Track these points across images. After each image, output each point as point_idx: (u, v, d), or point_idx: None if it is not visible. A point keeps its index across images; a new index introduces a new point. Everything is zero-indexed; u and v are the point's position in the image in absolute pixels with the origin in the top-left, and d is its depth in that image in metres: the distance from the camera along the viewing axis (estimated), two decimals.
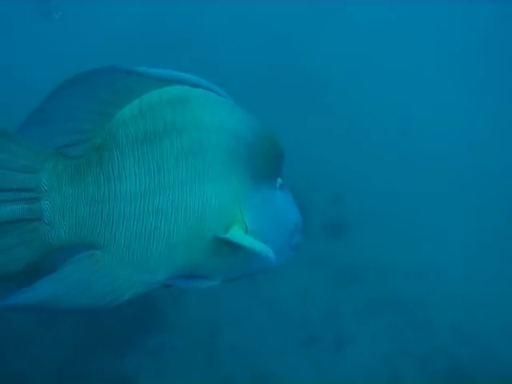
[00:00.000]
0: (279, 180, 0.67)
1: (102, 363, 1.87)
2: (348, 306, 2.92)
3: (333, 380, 2.37)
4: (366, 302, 3.02)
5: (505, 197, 5.58)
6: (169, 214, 0.56)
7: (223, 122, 0.60)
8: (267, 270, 0.69)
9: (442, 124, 6.59)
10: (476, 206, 5.13)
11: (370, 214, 3.91)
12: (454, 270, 3.65)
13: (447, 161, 5.85)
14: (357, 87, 6.55)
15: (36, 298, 0.52)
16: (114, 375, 1.98)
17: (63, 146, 0.54)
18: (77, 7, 6.84)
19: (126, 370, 2.07)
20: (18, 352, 1.89)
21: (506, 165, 6.09)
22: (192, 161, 0.57)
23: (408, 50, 7.97)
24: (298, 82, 6.19)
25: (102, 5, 7.36)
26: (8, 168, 0.50)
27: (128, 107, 0.56)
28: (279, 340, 2.46)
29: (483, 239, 4.41)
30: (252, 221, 0.62)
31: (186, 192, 0.57)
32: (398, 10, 8.47)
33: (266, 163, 0.64)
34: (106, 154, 0.55)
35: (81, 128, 0.55)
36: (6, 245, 0.50)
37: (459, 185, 5.42)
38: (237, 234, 0.60)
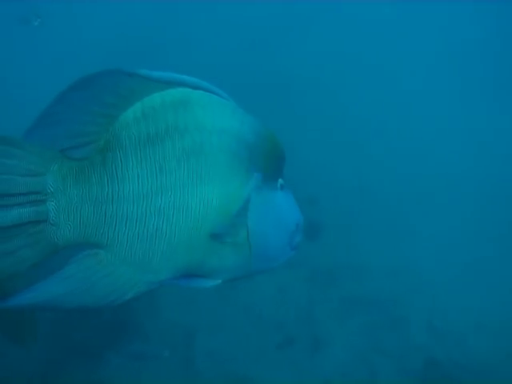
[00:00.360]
0: (280, 181, 0.68)
1: (74, 376, 1.83)
2: (324, 307, 2.93)
3: (310, 381, 2.37)
4: (342, 303, 3.04)
5: (474, 195, 5.72)
6: (170, 215, 0.57)
7: (225, 124, 0.61)
8: (268, 270, 0.69)
9: (420, 124, 6.69)
10: (447, 205, 5.24)
11: (345, 214, 3.95)
12: (427, 268, 3.71)
13: (419, 162, 5.96)
14: (336, 87, 6.62)
15: (41, 297, 0.53)
16: None
17: (68, 148, 0.55)
18: (58, 11, 6.79)
19: (101, 381, 2.03)
20: None
21: (477, 162, 6.25)
22: (194, 162, 0.58)
23: (400, 49, 8.05)
24: (274, 82, 6.23)
25: (81, 7, 7.28)
26: (14, 173, 0.51)
27: (131, 109, 0.57)
28: (256, 343, 2.45)
29: (455, 238, 4.50)
30: (254, 220, 0.63)
31: (188, 193, 0.58)
32: (391, 10, 8.55)
33: (267, 164, 0.65)
34: (109, 156, 0.56)
35: (85, 131, 0.56)
36: (14, 247, 0.52)
37: (431, 185, 5.53)
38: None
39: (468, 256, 4.22)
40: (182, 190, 0.58)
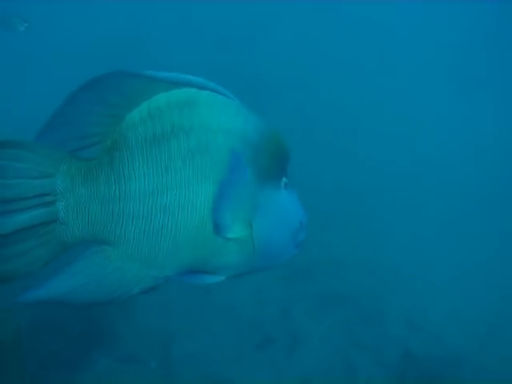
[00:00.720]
0: (284, 179, 0.69)
1: None
2: (302, 305, 2.94)
3: (289, 380, 2.37)
4: (319, 299, 3.06)
5: (447, 188, 5.83)
6: (176, 213, 0.59)
7: (229, 124, 0.62)
8: (272, 267, 0.70)
9: (401, 119, 6.74)
10: (423, 200, 5.33)
11: (320, 210, 3.97)
12: (404, 263, 3.77)
13: (397, 158, 6.03)
14: (315, 83, 6.63)
15: (53, 293, 0.55)
16: None
17: (77, 149, 0.57)
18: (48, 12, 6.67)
19: None
20: None
21: (459, 159, 6.35)
22: (199, 161, 0.59)
23: (395, 49, 8.09)
24: (245, 82, 6.21)
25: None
26: (25, 177, 0.52)
27: (137, 110, 0.58)
28: (234, 344, 2.44)
29: (432, 232, 4.59)
30: (257, 219, 0.64)
31: (193, 191, 0.59)
32: (389, 10, 8.59)
33: (271, 163, 0.66)
34: (116, 155, 0.57)
35: (93, 131, 0.57)
36: (27, 249, 0.53)
37: (406, 180, 5.61)
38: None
39: (444, 250, 4.30)
40: (187, 189, 0.59)
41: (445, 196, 5.42)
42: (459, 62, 8.03)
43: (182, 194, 0.59)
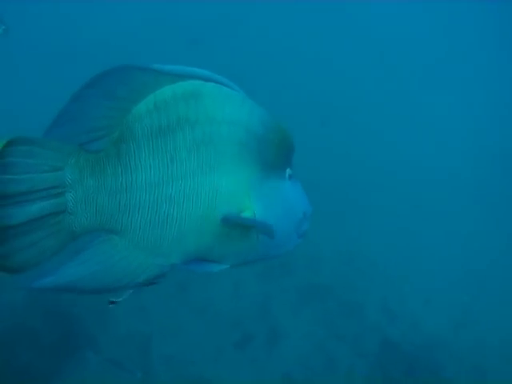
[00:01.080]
0: (288, 170, 0.69)
1: None
2: (281, 299, 2.94)
3: (269, 376, 2.38)
4: (297, 293, 3.07)
5: (420, 180, 5.91)
6: (181, 202, 0.60)
7: (234, 115, 0.63)
8: (275, 256, 0.71)
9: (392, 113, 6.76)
10: (396, 190, 5.40)
11: None
12: (378, 252, 3.81)
13: (372, 152, 6.08)
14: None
15: (62, 280, 0.57)
16: None
17: (85, 142, 0.58)
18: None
19: None
20: None
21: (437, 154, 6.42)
22: (204, 152, 0.60)
23: (393, 48, 8.06)
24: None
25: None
26: (36, 171, 0.54)
27: (143, 102, 0.59)
28: (213, 344, 2.43)
29: (405, 222, 4.65)
30: (261, 209, 0.65)
31: (198, 181, 0.60)
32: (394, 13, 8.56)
33: (275, 154, 0.66)
34: (123, 147, 0.58)
35: (101, 125, 0.58)
36: (37, 239, 0.55)
37: (379, 171, 5.66)
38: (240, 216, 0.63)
39: (418, 239, 4.38)
40: (192, 179, 0.60)
41: (417, 187, 5.50)
42: (459, 62, 8.10)
43: (188, 184, 0.60)
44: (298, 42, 7.42)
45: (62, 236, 0.56)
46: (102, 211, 0.58)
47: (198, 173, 0.61)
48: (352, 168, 5.39)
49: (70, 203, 0.56)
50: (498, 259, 4.21)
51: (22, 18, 6.65)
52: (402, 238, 4.29)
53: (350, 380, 2.61)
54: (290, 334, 2.72)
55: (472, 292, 3.73)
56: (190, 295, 2.58)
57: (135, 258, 0.60)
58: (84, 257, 0.58)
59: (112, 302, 0.62)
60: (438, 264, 4.05)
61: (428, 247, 4.23)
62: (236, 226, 0.63)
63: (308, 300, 3.06)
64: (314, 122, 5.90)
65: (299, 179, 0.71)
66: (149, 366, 2.27)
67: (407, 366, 2.91)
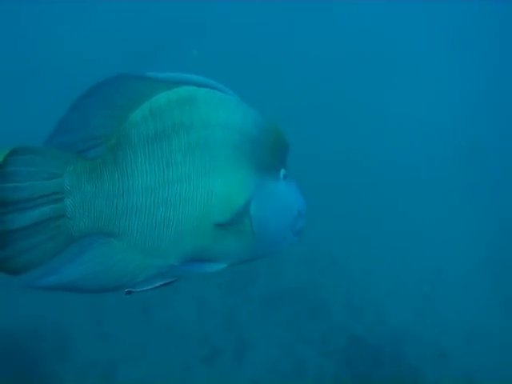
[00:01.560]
0: (283, 171, 0.71)
1: None
2: (246, 309, 2.97)
3: None
4: (263, 300, 3.10)
5: (381, 178, 5.99)
6: (177, 205, 0.62)
7: (228, 119, 0.65)
8: (272, 254, 0.73)
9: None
10: (357, 185, 5.49)
11: None
12: (340, 249, 3.88)
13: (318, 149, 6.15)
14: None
15: (64, 280, 0.60)
16: None
17: (84, 149, 0.60)
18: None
19: None
20: None
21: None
22: (199, 156, 0.63)
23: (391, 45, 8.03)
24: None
25: None
26: (37, 179, 0.57)
27: (139, 109, 0.61)
28: (180, 362, 2.43)
29: (365, 217, 4.75)
30: (255, 209, 0.67)
31: (193, 185, 0.63)
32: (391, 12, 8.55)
33: (270, 156, 0.69)
34: (119, 154, 0.61)
35: (98, 133, 0.60)
36: (38, 242, 0.57)
37: (344, 170, 5.74)
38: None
39: (376, 232, 4.47)
40: (187, 182, 0.62)
41: (374, 183, 5.61)
42: (459, 63, 8.19)
43: (183, 187, 0.62)
44: (290, 41, 7.44)
45: (62, 239, 0.59)
46: (99, 215, 0.60)
47: (194, 176, 0.63)
48: (321, 167, 5.45)
49: (69, 208, 0.59)
50: (454, 247, 4.37)
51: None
52: (363, 233, 4.38)
53: (319, 381, 2.68)
54: (257, 342, 2.76)
55: (431, 281, 3.86)
56: (153, 316, 2.57)
57: (133, 260, 0.63)
58: (84, 258, 0.61)
59: (128, 292, 0.66)
60: (399, 256, 4.16)
61: (388, 240, 4.34)
62: (231, 226, 0.65)
63: (274, 306, 3.11)
64: (302, 120, 5.89)
65: (294, 178, 0.74)
66: None
67: (374, 360, 3.00)
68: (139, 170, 0.61)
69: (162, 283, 0.66)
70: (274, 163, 0.70)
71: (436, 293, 3.76)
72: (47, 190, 0.58)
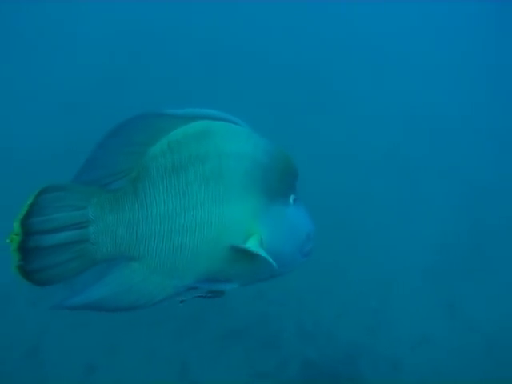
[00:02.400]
0: (292, 196, 0.77)
1: None
2: (198, 353, 2.96)
3: None
4: (215, 342, 3.10)
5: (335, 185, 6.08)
6: (193, 231, 0.68)
7: (241, 149, 0.70)
8: (281, 274, 0.80)
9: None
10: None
11: None
12: (286, 278, 3.96)
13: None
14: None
15: (88, 300, 0.66)
16: None
17: (107, 183, 0.67)
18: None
19: None
20: None
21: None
22: (213, 185, 0.69)
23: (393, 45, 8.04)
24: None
25: None
26: (64, 211, 0.64)
27: (158, 144, 0.67)
28: None
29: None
30: (267, 233, 0.73)
31: (208, 211, 0.69)
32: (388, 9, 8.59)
33: (280, 182, 0.75)
34: (139, 186, 0.67)
35: (121, 168, 0.67)
36: (64, 260, 0.64)
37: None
38: (251, 245, 0.72)
39: (324, 254, 4.55)
40: (202, 209, 0.68)
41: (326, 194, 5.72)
42: (459, 62, 8.31)
43: (199, 214, 0.68)
44: (287, 42, 7.52)
45: (85, 261, 0.66)
46: (120, 242, 0.67)
47: (209, 203, 0.68)
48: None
49: (92, 235, 0.66)
50: (398, 259, 4.53)
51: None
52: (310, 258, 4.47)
53: None
54: None
55: (379, 296, 3.98)
56: (97, 374, 2.54)
57: (152, 281, 0.69)
58: (107, 280, 0.68)
59: (182, 301, 0.72)
60: (346, 275, 4.26)
61: (335, 259, 4.44)
62: (243, 251, 0.71)
63: (226, 346, 3.13)
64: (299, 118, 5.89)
65: (303, 201, 0.79)
66: None
67: (331, 382, 3.07)
68: (157, 200, 0.68)
69: (209, 294, 0.74)
70: (283, 189, 0.76)
71: (384, 308, 3.88)
72: (73, 219, 0.65)
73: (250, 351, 3.15)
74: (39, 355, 2.64)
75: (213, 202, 0.69)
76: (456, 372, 3.28)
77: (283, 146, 0.77)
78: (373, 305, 3.87)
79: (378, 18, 9.02)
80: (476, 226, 5.24)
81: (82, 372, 2.52)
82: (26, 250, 0.62)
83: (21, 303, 2.89)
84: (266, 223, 0.73)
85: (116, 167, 0.68)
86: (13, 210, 0.64)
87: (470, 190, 5.90)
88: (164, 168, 0.68)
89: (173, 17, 7.60)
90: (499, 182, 6.06)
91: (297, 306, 3.70)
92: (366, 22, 8.82)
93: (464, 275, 4.42)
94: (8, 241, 0.62)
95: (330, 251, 4.62)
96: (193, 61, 6.58)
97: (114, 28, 7.04)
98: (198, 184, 0.68)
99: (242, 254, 0.72)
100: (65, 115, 5.00)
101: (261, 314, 3.49)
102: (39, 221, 0.63)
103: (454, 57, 8.62)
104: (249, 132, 0.73)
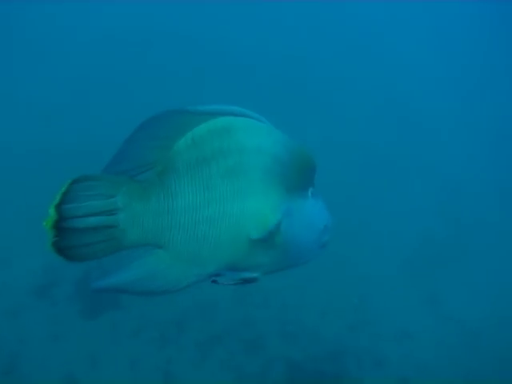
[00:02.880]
0: (311, 189, 0.79)
1: None
2: (181, 360, 2.94)
3: None
4: (197, 347, 3.08)
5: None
6: (215, 222, 0.70)
7: (261, 145, 0.72)
8: (300, 264, 0.82)
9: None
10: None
11: None
12: (268, 279, 3.96)
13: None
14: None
15: (116, 283, 0.69)
16: None
17: (135, 174, 0.70)
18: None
19: None
20: None
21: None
22: (235, 179, 0.70)
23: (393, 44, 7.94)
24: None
25: None
26: (95, 199, 0.67)
27: (183, 139, 0.70)
28: None
29: None
30: (286, 226, 0.75)
31: (230, 204, 0.70)
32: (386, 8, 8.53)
33: (298, 176, 0.76)
34: (165, 178, 0.70)
35: (147, 161, 0.70)
36: (94, 241, 0.67)
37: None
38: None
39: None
40: (224, 202, 0.70)
41: None
42: (458, 62, 8.32)
43: (221, 206, 0.70)
44: (289, 41, 7.48)
45: (113, 244, 0.69)
46: (147, 230, 0.69)
47: (230, 196, 0.70)
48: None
49: (121, 222, 0.68)
50: (376, 255, 4.58)
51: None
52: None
53: None
54: None
55: (360, 293, 4.02)
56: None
57: (177, 268, 0.71)
58: (134, 266, 0.70)
59: (214, 281, 0.74)
60: (328, 274, 4.29)
61: (315, 261, 4.47)
62: (263, 240, 0.73)
63: (210, 350, 3.10)
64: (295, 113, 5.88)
65: (321, 194, 0.81)
66: None
67: (316, 381, 3.07)
68: (182, 192, 0.70)
69: (241, 280, 0.75)
70: (302, 183, 0.78)
71: (365, 303, 3.92)
72: (103, 207, 0.68)
73: (235, 355, 3.14)
74: (18, 368, 2.59)
75: (235, 194, 0.71)
76: (439, 364, 3.32)
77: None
78: (355, 302, 3.90)
79: (377, 18, 9.12)
80: (453, 221, 5.34)
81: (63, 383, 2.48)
82: (59, 230, 0.66)
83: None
84: (284, 216, 0.75)
85: (142, 160, 0.71)
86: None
87: (447, 186, 6.01)
88: (188, 162, 0.70)
89: (170, 18, 7.61)
90: (475, 177, 6.20)
91: (279, 308, 3.71)
92: (366, 22, 8.93)
93: (443, 269, 4.50)
94: (44, 223, 0.66)
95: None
96: (179, 60, 6.61)
97: (114, 28, 7.00)
98: (221, 177, 0.70)
99: (262, 245, 0.74)
100: (64, 115, 4.99)
101: (244, 316, 3.48)
102: (72, 207, 0.66)
103: (441, 57, 8.79)
104: (269, 128, 0.75)
